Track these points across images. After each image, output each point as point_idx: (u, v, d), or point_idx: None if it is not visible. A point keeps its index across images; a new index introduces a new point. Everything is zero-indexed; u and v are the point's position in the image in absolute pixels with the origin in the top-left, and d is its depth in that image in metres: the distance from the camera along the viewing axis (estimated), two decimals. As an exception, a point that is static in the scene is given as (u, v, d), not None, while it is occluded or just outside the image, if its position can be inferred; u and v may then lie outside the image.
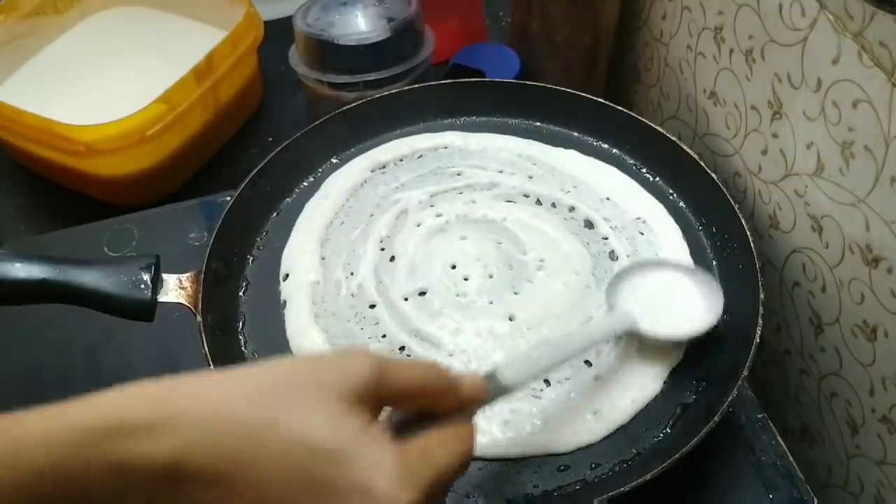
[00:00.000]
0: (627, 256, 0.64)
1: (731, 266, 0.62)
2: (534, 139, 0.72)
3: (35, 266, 0.55)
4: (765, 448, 0.59)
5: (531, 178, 0.69)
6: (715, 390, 0.55)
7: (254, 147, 0.87)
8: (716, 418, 0.51)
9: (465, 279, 0.62)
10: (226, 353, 0.58)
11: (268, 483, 0.33)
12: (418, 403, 0.39)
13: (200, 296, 0.58)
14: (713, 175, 0.65)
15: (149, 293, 0.56)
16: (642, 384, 0.56)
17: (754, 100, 0.64)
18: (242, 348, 0.60)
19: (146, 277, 0.57)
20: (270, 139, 0.88)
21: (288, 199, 0.69)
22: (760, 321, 0.55)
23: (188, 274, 0.59)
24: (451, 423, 0.38)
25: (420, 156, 0.72)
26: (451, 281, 0.62)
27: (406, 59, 0.80)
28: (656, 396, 0.56)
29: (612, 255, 0.64)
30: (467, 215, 0.66)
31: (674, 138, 0.68)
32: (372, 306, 0.61)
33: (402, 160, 0.71)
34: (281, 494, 0.33)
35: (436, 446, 0.37)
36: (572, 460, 0.54)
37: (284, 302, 0.62)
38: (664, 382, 0.57)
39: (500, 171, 0.70)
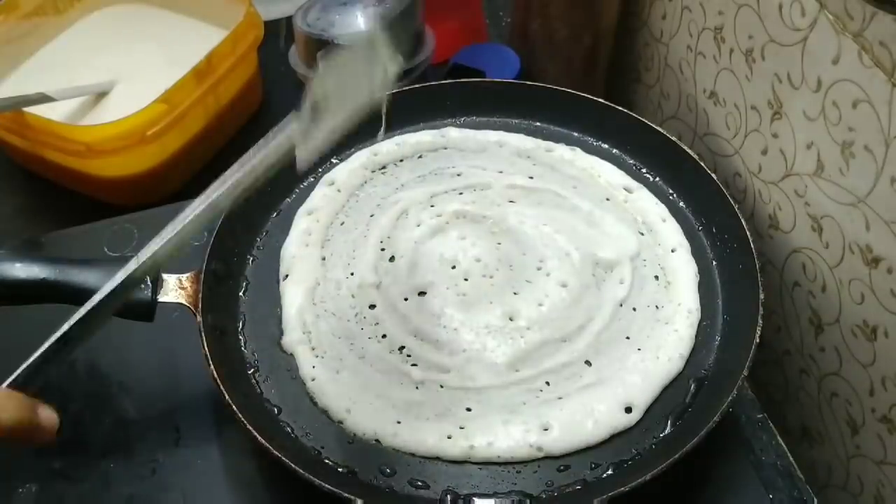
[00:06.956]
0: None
1: (731, 266, 0.62)
2: (534, 139, 0.72)
3: (35, 266, 0.55)
4: (765, 448, 0.59)
5: (531, 177, 0.69)
6: (715, 390, 0.55)
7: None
8: (716, 418, 0.51)
9: (465, 279, 0.62)
10: (226, 353, 0.58)
11: None
12: None
13: (200, 296, 0.58)
14: (713, 175, 0.65)
15: (149, 293, 0.56)
16: (642, 385, 0.56)
17: (754, 100, 0.64)
18: (242, 348, 0.60)
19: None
20: (270, 139, 0.87)
21: (288, 199, 0.69)
22: (760, 321, 0.55)
23: (188, 274, 0.59)
24: None
25: (420, 156, 0.72)
26: (452, 281, 0.62)
27: (406, 59, 0.80)
28: (656, 397, 0.56)
29: (612, 255, 0.64)
30: (467, 215, 0.66)
31: (674, 138, 0.68)
32: (372, 306, 0.61)
33: (402, 160, 0.71)
34: None
35: None
36: (572, 460, 0.54)
37: (284, 302, 0.62)
38: (664, 383, 0.57)
39: (500, 171, 0.70)
